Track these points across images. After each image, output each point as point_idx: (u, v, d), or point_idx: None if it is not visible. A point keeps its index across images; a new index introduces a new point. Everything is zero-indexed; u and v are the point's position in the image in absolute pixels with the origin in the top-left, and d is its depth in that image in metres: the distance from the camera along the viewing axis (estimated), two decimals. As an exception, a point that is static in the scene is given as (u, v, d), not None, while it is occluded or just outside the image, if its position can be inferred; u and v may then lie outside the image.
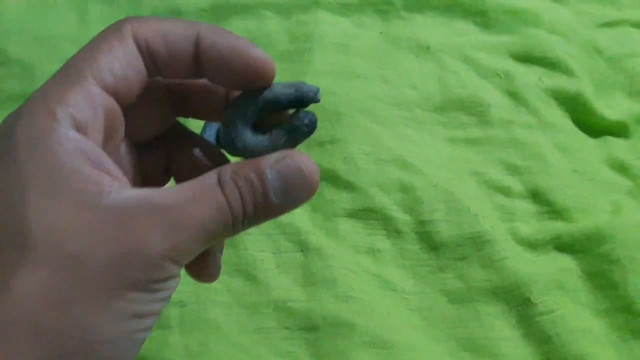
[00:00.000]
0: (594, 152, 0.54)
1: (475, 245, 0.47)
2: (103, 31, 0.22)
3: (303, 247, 0.47)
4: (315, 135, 0.48)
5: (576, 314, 0.45)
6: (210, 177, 0.21)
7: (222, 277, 0.45)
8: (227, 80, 0.23)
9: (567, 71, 0.57)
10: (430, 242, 0.48)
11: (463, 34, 0.61)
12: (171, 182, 0.27)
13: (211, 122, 0.48)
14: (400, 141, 0.53)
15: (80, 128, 0.20)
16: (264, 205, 0.22)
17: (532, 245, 0.48)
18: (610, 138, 0.55)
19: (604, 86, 0.58)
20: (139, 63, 0.22)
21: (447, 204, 0.49)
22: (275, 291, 0.45)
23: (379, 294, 0.46)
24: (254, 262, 0.46)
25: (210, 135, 0.50)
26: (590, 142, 0.55)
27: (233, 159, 0.24)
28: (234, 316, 0.44)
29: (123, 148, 0.24)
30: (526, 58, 0.59)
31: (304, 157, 0.23)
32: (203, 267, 0.27)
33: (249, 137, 0.23)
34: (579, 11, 0.63)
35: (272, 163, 0.22)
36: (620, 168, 0.53)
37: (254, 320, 0.44)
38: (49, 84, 0.21)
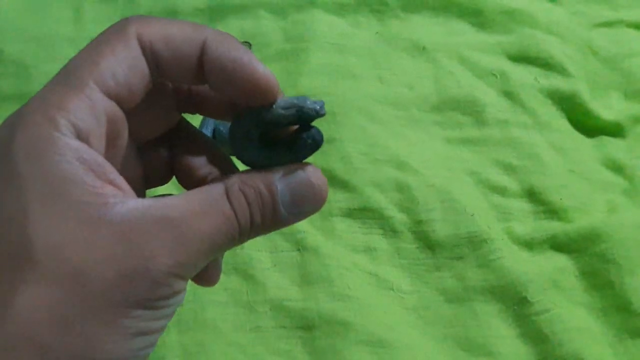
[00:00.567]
0: (590, 152, 0.54)
1: (472, 245, 0.47)
2: (105, 31, 0.21)
3: (300, 246, 0.47)
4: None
5: (572, 313, 0.45)
6: (217, 188, 0.21)
7: (219, 276, 0.45)
8: (229, 92, 0.22)
9: (562, 71, 0.57)
10: (426, 242, 0.48)
11: (459, 34, 0.61)
12: (173, 180, 0.26)
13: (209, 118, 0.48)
14: (397, 141, 0.53)
15: (81, 136, 0.19)
16: (272, 217, 0.22)
17: (528, 244, 0.48)
18: (605, 138, 0.56)
19: (599, 86, 0.58)
20: (143, 66, 0.21)
21: (444, 203, 0.49)
22: (272, 290, 0.45)
23: (375, 293, 0.46)
24: (250, 261, 0.46)
25: (208, 132, 0.50)
26: (586, 142, 0.55)
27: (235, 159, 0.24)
28: (230, 315, 0.44)
29: (126, 149, 0.23)
30: (522, 58, 0.59)
31: (313, 169, 0.22)
32: (204, 271, 0.26)
33: (255, 153, 0.23)
34: (575, 11, 0.63)
35: (282, 175, 0.22)
36: (616, 168, 0.53)
37: (250, 319, 0.44)
38: (49, 90, 0.20)
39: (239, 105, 0.23)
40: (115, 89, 0.20)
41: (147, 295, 0.19)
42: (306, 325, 0.44)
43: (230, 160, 0.26)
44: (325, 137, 0.23)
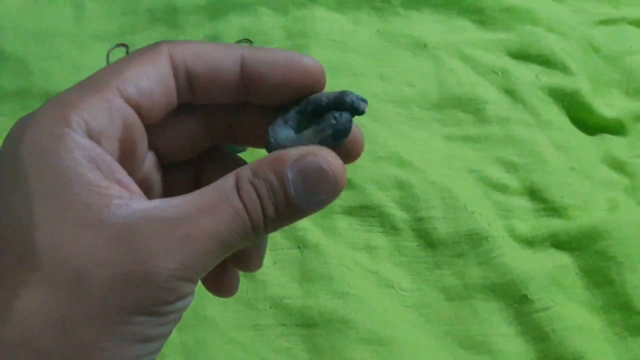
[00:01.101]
0: (591, 150, 0.54)
1: (472, 243, 0.47)
2: (138, 49, 0.21)
3: (300, 243, 0.47)
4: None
5: (573, 311, 0.45)
6: (227, 181, 0.20)
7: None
8: (276, 94, 0.22)
9: (564, 69, 0.57)
10: (427, 239, 0.48)
11: (460, 31, 0.61)
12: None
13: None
14: (397, 138, 0.53)
15: (93, 135, 0.19)
16: (285, 208, 0.20)
17: (529, 242, 0.48)
18: (607, 136, 0.55)
19: (601, 84, 0.58)
20: (169, 83, 0.21)
21: (444, 201, 0.49)
22: (272, 288, 0.45)
23: (375, 291, 0.46)
24: (250, 259, 0.46)
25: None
26: (587, 139, 0.55)
27: None
28: (230, 313, 0.44)
29: (149, 164, 0.23)
30: (523, 55, 0.58)
31: (327, 154, 0.21)
32: (221, 281, 0.25)
33: (282, 133, 0.22)
34: (576, 9, 0.63)
35: (293, 161, 0.20)
36: (617, 165, 0.53)
37: (250, 316, 0.44)
38: (69, 90, 0.20)
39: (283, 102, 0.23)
40: (136, 98, 0.20)
41: (148, 300, 0.18)
42: (306, 323, 0.44)
43: None
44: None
